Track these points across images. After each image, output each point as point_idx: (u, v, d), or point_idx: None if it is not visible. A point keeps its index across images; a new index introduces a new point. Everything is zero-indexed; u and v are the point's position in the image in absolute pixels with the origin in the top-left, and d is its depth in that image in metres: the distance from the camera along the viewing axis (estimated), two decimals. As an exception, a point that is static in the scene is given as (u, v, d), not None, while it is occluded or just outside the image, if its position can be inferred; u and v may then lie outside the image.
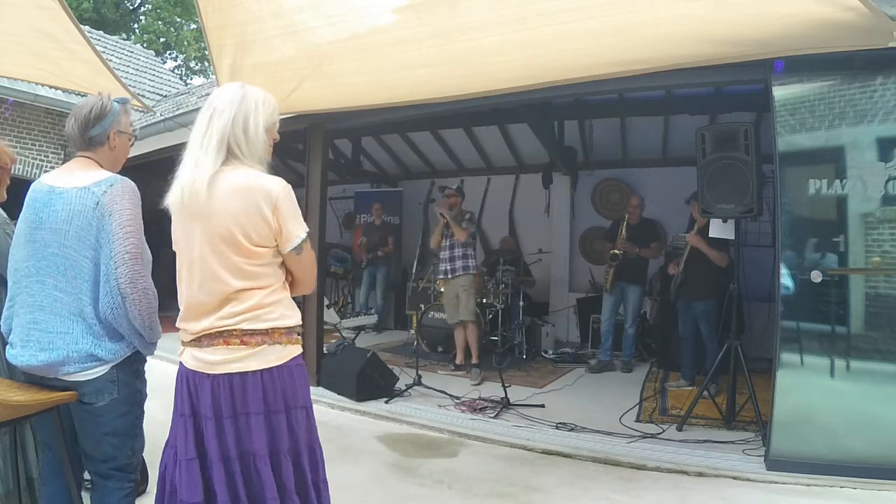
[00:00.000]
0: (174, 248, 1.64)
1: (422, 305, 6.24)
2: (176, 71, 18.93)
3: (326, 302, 6.41)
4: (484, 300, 5.87)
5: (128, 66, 9.82)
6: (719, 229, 3.89)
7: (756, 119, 4.92)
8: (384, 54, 3.12)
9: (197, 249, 1.54)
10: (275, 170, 1.68)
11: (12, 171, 2.23)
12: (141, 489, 2.51)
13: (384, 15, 2.80)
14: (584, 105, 5.80)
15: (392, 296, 8.08)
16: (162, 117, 6.24)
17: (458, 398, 4.36)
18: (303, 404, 1.63)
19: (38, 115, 7.51)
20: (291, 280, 1.67)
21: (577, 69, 3.03)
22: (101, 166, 1.79)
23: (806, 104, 3.15)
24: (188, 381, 1.58)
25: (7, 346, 1.74)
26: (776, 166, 3.19)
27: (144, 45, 15.87)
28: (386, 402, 4.27)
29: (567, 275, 7.50)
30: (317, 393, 4.21)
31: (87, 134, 1.77)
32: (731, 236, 3.85)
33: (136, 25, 19.64)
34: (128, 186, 1.71)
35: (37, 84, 6.39)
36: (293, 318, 1.63)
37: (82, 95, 3.68)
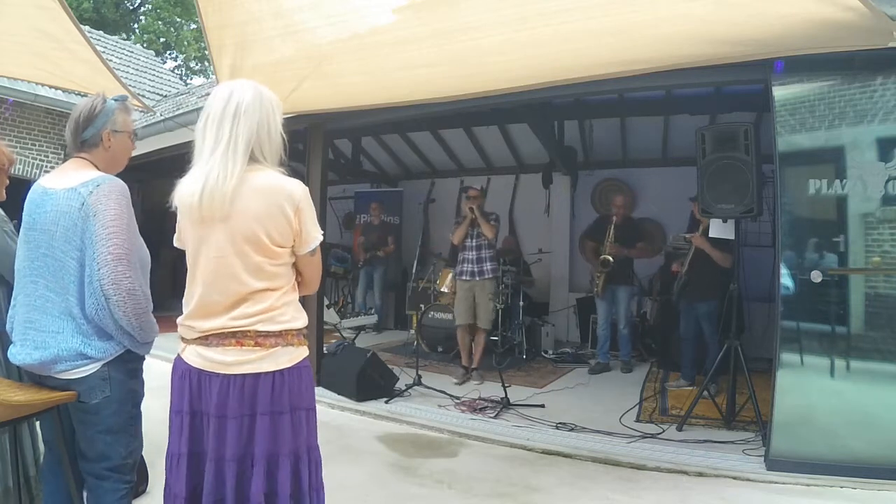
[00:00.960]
0: (179, 245, 1.64)
1: (422, 305, 6.23)
2: (176, 71, 18.95)
3: (326, 302, 6.41)
4: (498, 304, 5.83)
5: (128, 66, 9.83)
6: (719, 229, 3.89)
7: (756, 119, 4.92)
8: (384, 54, 3.12)
9: (215, 250, 1.53)
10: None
11: (12, 172, 2.24)
12: (141, 489, 2.51)
13: (384, 15, 2.80)
14: (584, 105, 5.80)
15: (392, 296, 8.07)
16: (162, 117, 6.25)
17: (458, 398, 4.36)
18: (307, 406, 1.63)
19: (38, 115, 7.52)
20: (300, 281, 1.68)
21: (577, 69, 3.03)
22: (97, 167, 1.77)
23: (806, 104, 3.15)
24: (190, 378, 1.58)
25: (11, 345, 1.76)
26: (776, 166, 3.19)
27: (144, 45, 15.87)
28: (386, 402, 4.27)
29: (567, 275, 7.50)
30: (317, 393, 4.19)
31: (80, 137, 1.77)
32: (731, 236, 3.85)
33: (136, 25, 19.65)
34: (115, 186, 1.69)
35: (37, 84, 6.40)
36: (302, 319, 1.64)
37: (82, 95, 3.68)
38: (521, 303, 6.18)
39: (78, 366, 1.65)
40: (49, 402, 1.67)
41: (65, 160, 1.88)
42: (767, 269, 3.70)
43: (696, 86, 4.30)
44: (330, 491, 1.71)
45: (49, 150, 7.70)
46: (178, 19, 19.59)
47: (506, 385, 4.33)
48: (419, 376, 4.62)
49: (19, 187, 1.99)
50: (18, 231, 1.82)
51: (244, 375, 1.53)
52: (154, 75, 10.76)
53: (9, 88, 6.80)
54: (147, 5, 19.79)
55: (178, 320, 1.62)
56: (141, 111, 5.29)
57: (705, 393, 3.88)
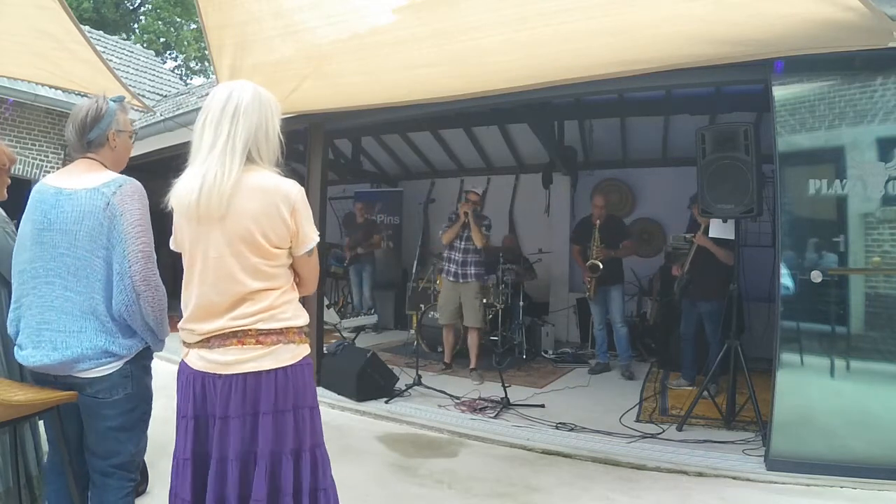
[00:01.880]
0: (175, 248, 1.64)
1: (422, 305, 6.23)
2: (176, 71, 18.95)
3: (326, 302, 6.41)
4: (484, 300, 5.87)
5: (128, 66, 9.83)
6: (719, 229, 3.89)
7: (756, 119, 4.92)
8: (384, 54, 3.12)
9: (213, 250, 1.53)
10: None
11: (12, 171, 2.24)
12: (141, 489, 2.52)
13: (384, 15, 2.80)
14: (584, 105, 5.80)
15: (392, 295, 8.07)
16: (162, 117, 6.25)
17: (458, 398, 4.36)
18: (310, 404, 1.63)
19: (38, 115, 7.51)
20: (298, 282, 1.69)
21: (577, 69, 3.03)
22: (106, 167, 1.80)
23: (806, 104, 3.15)
24: (194, 382, 1.58)
25: (16, 348, 1.75)
26: (776, 166, 3.19)
27: (144, 45, 15.88)
28: (386, 402, 4.28)
29: (567, 275, 7.50)
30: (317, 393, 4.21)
31: (86, 138, 1.78)
32: (731, 236, 3.86)
33: (136, 25, 19.66)
34: (136, 187, 1.74)
35: (37, 84, 6.39)
36: (303, 317, 1.64)
37: (82, 95, 3.68)
38: (521, 303, 6.18)
39: (102, 363, 1.68)
40: (49, 401, 1.67)
41: (65, 160, 1.89)
42: (767, 269, 3.70)
43: (696, 86, 4.30)
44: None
45: (49, 150, 7.70)
46: (178, 19, 19.60)
47: (506, 385, 4.33)
48: (419, 376, 4.62)
49: (20, 187, 2.00)
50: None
51: (246, 374, 1.53)
52: (154, 75, 10.76)
53: (9, 88, 6.80)
54: (147, 5, 19.79)
55: (179, 324, 1.61)
56: (141, 111, 5.29)
57: (705, 393, 3.88)
